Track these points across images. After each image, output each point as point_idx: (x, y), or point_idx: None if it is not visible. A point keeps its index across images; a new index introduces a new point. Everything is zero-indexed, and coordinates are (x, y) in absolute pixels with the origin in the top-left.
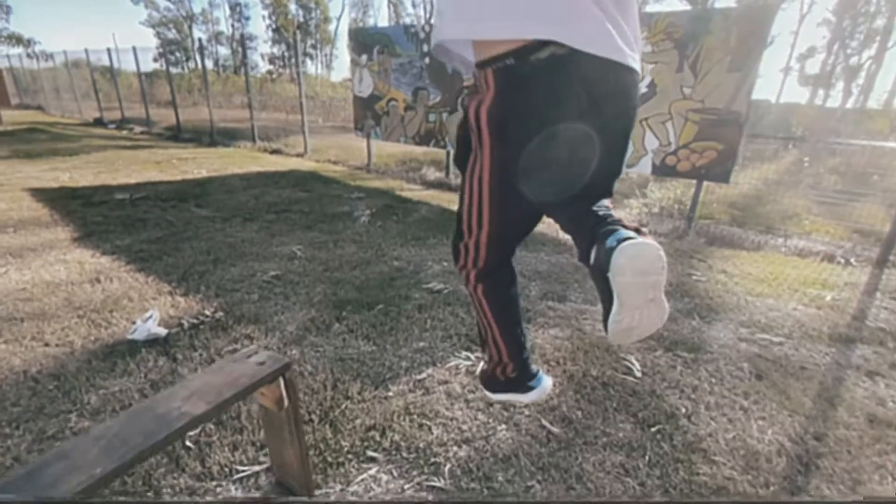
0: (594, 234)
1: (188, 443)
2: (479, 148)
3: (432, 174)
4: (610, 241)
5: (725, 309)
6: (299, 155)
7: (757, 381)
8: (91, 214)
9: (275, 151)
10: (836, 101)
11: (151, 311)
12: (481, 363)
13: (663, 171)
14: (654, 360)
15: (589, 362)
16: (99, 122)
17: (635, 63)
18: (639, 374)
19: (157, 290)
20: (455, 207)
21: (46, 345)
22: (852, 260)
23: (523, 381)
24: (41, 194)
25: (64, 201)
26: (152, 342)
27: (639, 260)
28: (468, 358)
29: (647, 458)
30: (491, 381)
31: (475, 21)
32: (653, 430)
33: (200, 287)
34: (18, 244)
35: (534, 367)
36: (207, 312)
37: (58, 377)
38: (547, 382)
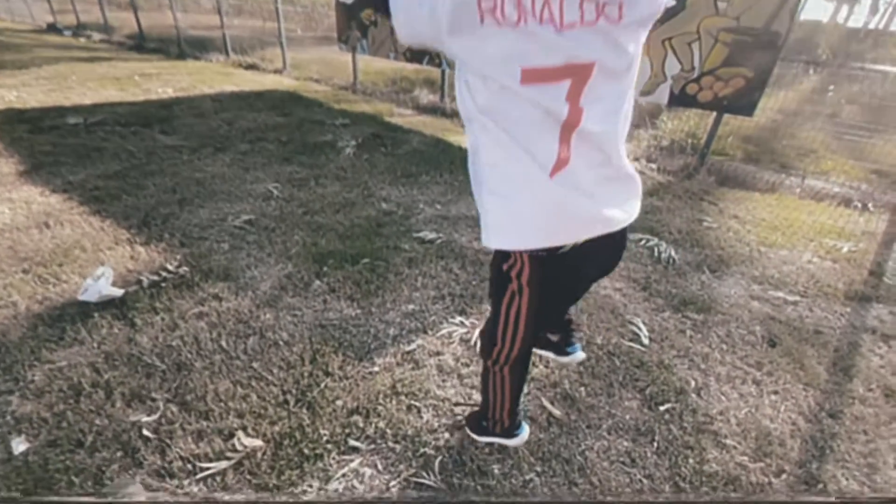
0: (562, 332)
1: (146, 431)
2: (518, 294)
3: (426, 97)
4: (570, 349)
5: (737, 261)
6: (277, 71)
7: (770, 348)
8: (40, 143)
9: (250, 67)
10: (860, 20)
11: (103, 268)
12: (472, 410)
13: (682, 100)
14: (663, 322)
15: (594, 327)
16: (53, 29)
17: (625, 222)
18: (646, 342)
19: (115, 237)
20: (450, 137)
21: None
22: (870, 205)
23: (512, 430)
24: None
25: (9, 126)
26: (107, 304)
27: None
28: (462, 324)
29: (655, 444)
30: (481, 428)
31: (518, 237)
32: (661, 408)
33: (164, 234)
34: None
35: (520, 417)
36: (170, 267)
37: None
38: (526, 430)
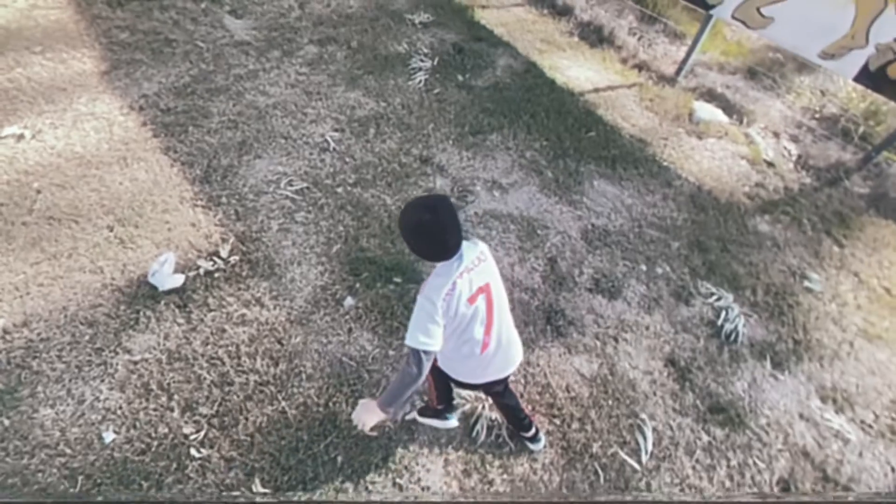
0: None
1: (192, 451)
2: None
3: None
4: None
5: (815, 355)
6: None
7: (781, 492)
8: (118, 24)
9: None
10: None
11: (167, 254)
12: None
13: (874, 81)
14: (677, 432)
15: (597, 428)
16: None
17: (510, 372)
18: (645, 458)
19: (180, 194)
20: (547, 59)
21: (81, 269)
22: None
23: (443, 414)
24: None
25: None
26: (170, 291)
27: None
28: (468, 397)
29: None
30: (424, 409)
31: (459, 376)
32: None
33: (222, 198)
34: (48, 78)
35: (454, 411)
36: (223, 252)
37: (91, 324)
38: (454, 421)
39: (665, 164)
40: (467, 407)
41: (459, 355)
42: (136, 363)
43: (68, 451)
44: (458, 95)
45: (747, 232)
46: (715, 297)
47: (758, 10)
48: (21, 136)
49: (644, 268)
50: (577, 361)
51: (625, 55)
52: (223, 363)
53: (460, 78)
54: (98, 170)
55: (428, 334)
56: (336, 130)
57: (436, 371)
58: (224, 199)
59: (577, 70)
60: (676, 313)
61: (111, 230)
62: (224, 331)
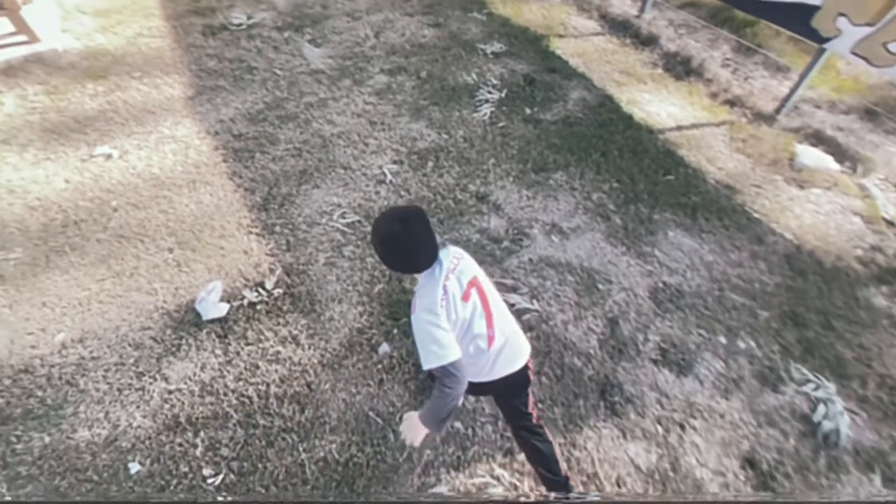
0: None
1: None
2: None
3: (619, 1)
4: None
5: None
6: None
7: None
8: (209, 52)
9: None
10: None
11: (215, 282)
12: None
13: None
14: None
15: None
16: None
17: (520, 365)
18: None
19: (238, 220)
20: (625, 93)
21: (138, 290)
22: None
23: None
24: (168, 6)
25: (188, 21)
26: (213, 320)
27: None
28: (500, 479)
29: None
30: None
31: (473, 375)
32: None
33: (276, 226)
34: (141, 102)
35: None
36: (269, 284)
37: (138, 346)
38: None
39: (756, 216)
40: (499, 490)
41: (467, 356)
42: (170, 392)
43: (95, 477)
44: (523, 129)
45: (858, 306)
46: (812, 386)
47: (884, 45)
48: (109, 156)
49: (723, 340)
50: (632, 449)
51: (714, 89)
52: (251, 402)
53: (528, 111)
54: (169, 191)
55: (441, 344)
56: (395, 162)
57: None
58: (277, 228)
59: (659, 105)
60: (760, 401)
61: (171, 252)
62: (258, 367)
